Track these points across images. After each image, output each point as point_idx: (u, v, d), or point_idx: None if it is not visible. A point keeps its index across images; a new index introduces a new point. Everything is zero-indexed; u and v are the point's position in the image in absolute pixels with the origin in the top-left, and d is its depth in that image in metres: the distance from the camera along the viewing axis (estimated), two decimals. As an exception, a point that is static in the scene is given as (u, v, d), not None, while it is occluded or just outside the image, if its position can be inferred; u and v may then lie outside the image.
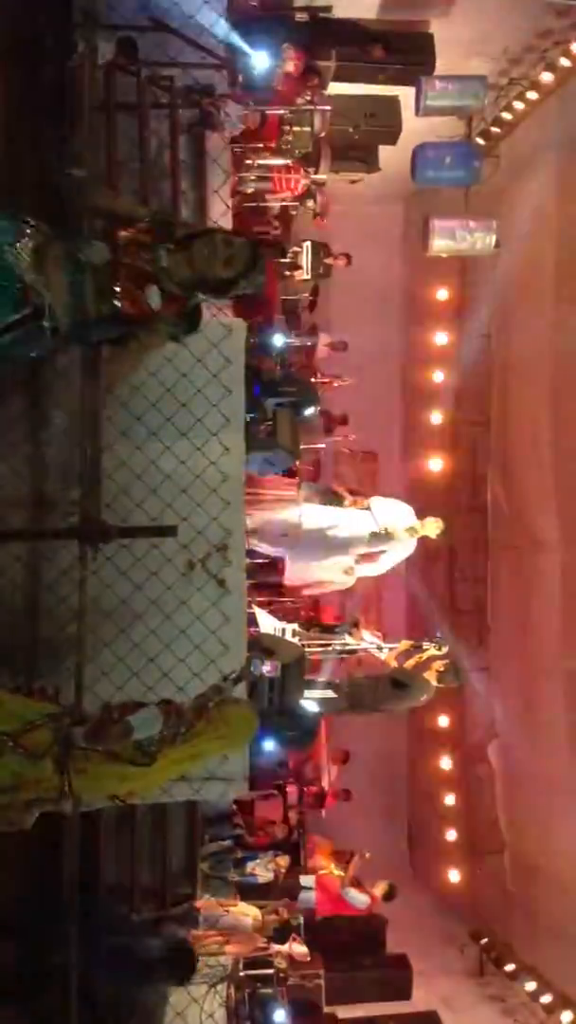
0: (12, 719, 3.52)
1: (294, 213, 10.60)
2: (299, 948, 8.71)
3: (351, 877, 9.52)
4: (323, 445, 11.53)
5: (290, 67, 8.91)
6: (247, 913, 7.79)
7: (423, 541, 8.72)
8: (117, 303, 3.77)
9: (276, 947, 8.24)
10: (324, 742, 10.22)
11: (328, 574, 9.40)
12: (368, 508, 8.50)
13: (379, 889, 9.50)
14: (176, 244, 3.86)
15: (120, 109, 6.82)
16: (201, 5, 6.50)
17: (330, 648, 8.93)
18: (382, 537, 8.27)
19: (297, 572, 9.09)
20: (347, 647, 9.08)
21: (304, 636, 8.77)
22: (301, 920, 9.14)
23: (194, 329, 4.04)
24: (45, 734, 3.53)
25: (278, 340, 9.48)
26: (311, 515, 8.37)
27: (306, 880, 9.41)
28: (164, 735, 3.74)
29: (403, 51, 9.78)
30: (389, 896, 9.59)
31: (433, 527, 8.37)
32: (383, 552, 8.48)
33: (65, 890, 5.62)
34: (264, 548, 8.40)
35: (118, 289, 3.76)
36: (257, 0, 8.69)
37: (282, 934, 8.23)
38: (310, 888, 9.33)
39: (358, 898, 9.43)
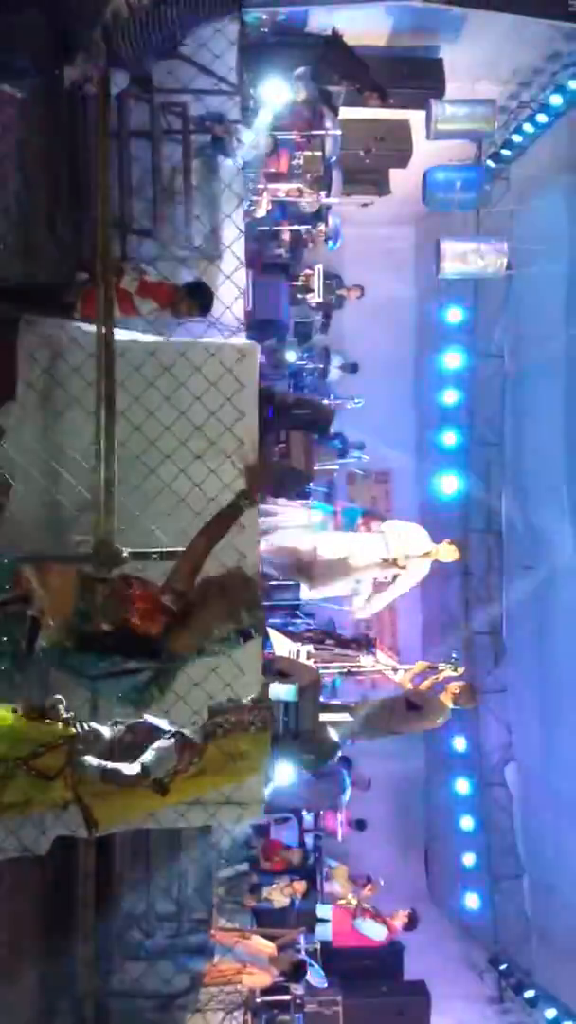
0: (26, 744, 3.52)
1: (306, 237, 10.67)
2: (316, 974, 8.64)
3: (363, 908, 9.40)
4: (337, 466, 11.54)
5: (302, 94, 8.99)
6: (262, 948, 7.73)
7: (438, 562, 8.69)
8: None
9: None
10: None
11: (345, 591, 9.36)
12: (381, 532, 8.46)
13: (399, 919, 9.40)
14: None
15: (133, 136, 6.90)
16: (213, 33, 6.56)
17: (345, 670, 8.88)
18: (393, 565, 8.23)
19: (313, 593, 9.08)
20: (362, 668, 9.04)
21: (319, 659, 8.73)
22: (318, 945, 9.06)
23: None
24: (58, 757, 3.53)
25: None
26: (327, 544, 8.35)
27: (323, 911, 9.32)
28: (179, 768, 3.72)
29: (413, 76, 9.86)
30: (410, 925, 9.48)
31: (448, 553, 8.31)
32: (397, 577, 8.43)
33: (80, 915, 5.61)
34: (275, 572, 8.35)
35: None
36: (268, 27, 8.78)
37: (297, 973, 8.16)
38: (327, 920, 9.24)
39: (374, 929, 9.33)
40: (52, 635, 3.64)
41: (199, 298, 5.68)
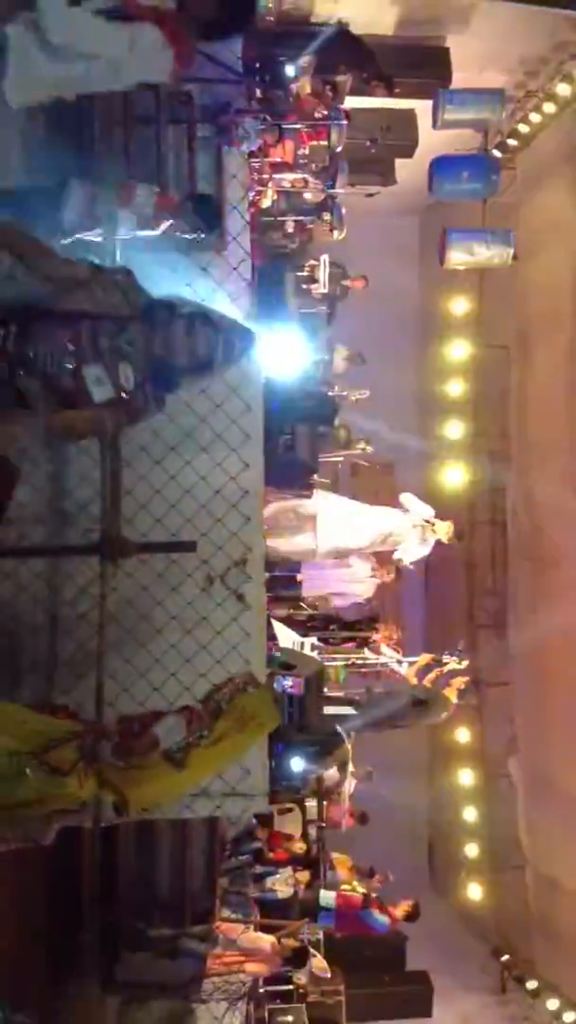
0: (36, 738, 3.53)
1: (311, 227, 10.61)
2: (319, 964, 8.65)
3: (372, 899, 9.40)
4: (341, 458, 11.52)
5: (307, 88, 8.94)
6: (264, 939, 7.77)
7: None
8: None
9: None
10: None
11: (345, 586, 9.39)
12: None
13: (401, 910, 9.41)
14: None
15: (139, 124, 6.84)
16: (219, 21, 6.50)
17: (351, 662, 8.90)
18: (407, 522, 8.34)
19: (315, 582, 9.09)
20: (367, 661, 9.05)
21: (323, 650, 8.74)
22: (321, 935, 9.08)
23: None
24: (70, 752, 3.54)
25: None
26: (330, 504, 8.43)
27: (325, 897, 9.32)
28: (189, 740, 3.75)
29: (419, 65, 9.80)
30: (412, 916, 9.49)
31: (442, 529, 8.50)
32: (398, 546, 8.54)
33: (85, 904, 5.62)
34: (279, 545, 8.32)
35: None
36: (274, 16, 8.73)
37: (300, 960, 8.18)
38: (330, 908, 9.24)
39: (379, 920, 9.34)
40: None
41: (202, 211, 5.55)
